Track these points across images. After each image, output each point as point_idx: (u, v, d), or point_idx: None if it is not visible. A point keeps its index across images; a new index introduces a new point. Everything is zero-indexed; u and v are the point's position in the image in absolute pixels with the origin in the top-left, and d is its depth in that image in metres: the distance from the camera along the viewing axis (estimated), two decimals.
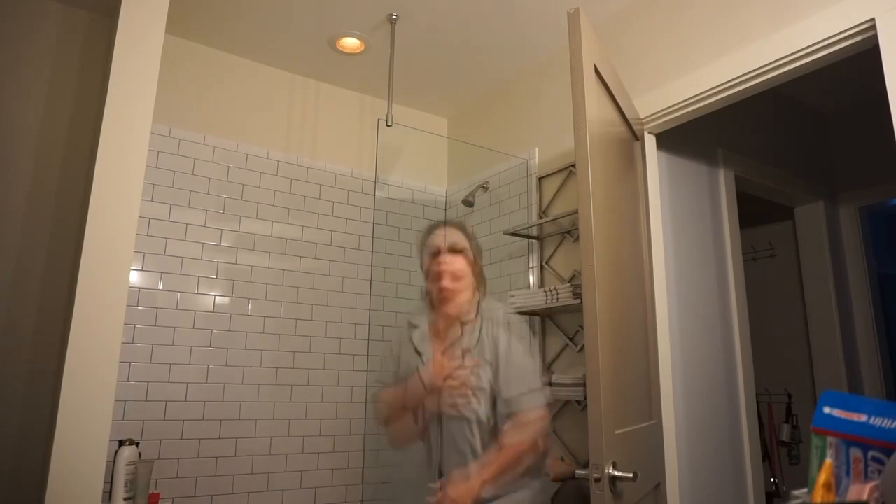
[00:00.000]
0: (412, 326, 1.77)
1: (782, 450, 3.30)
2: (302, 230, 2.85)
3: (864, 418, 0.66)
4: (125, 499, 2.00)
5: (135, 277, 2.40)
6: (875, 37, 1.64)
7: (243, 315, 2.62)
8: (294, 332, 2.74)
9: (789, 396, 3.29)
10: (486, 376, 1.57)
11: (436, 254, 1.69)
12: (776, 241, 3.44)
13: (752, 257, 3.46)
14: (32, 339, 2.12)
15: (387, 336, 2.88)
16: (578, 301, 2.21)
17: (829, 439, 0.69)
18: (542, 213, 2.70)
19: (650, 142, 2.28)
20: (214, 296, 2.57)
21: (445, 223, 1.76)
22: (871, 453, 0.65)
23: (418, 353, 1.68)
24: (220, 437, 2.48)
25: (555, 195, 2.66)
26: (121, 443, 2.06)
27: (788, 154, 3.10)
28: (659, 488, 1.99)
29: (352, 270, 2.95)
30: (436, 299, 1.69)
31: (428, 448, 1.68)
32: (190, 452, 2.40)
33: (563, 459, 2.33)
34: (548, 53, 2.78)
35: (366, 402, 2.81)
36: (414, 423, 1.68)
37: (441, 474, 1.60)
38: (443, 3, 2.44)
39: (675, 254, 2.37)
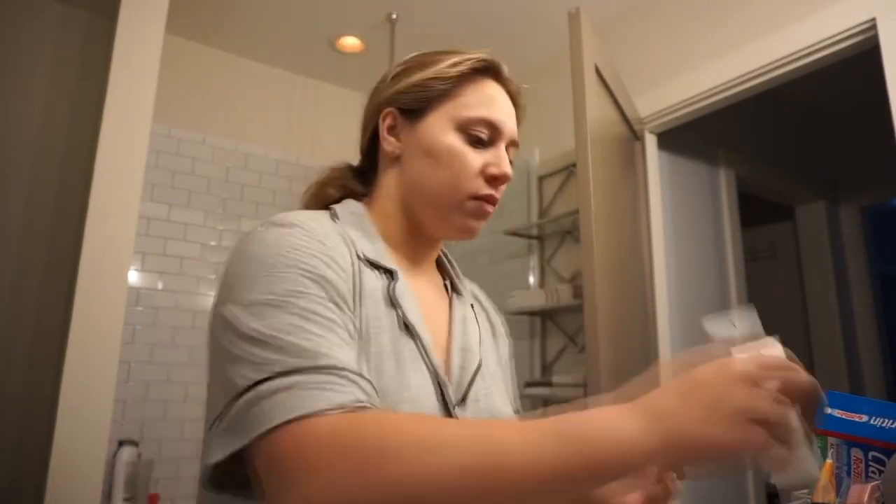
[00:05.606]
0: (373, 263, 0.73)
1: None
2: None
3: (864, 419, 0.66)
4: (125, 499, 2.00)
5: (134, 277, 2.40)
6: (876, 37, 1.64)
7: None
8: None
9: None
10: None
11: (500, 112, 0.78)
12: (777, 241, 3.43)
13: (752, 257, 3.46)
14: (32, 339, 2.11)
15: None
16: (579, 301, 2.20)
17: (831, 440, 0.68)
18: (543, 212, 2.69)
19: (651, 141, 2.28)
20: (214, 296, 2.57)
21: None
22: (871, 453, 0.65)
23: (406, 325, 0.70)
24: None
25: (555, 195, 2.65)
26: (120, 443, 2.05)
27: (789, 154, 3.10)
28: None
29: None
30: (462, 209, 0.76)
31: None
32: (190, 452, 2.40)
33: None
34: (548, 53, 2.78)
35: None
36: None
37: None
38: (443, 3, 2.44)
39: (675, 254, 2.36)
